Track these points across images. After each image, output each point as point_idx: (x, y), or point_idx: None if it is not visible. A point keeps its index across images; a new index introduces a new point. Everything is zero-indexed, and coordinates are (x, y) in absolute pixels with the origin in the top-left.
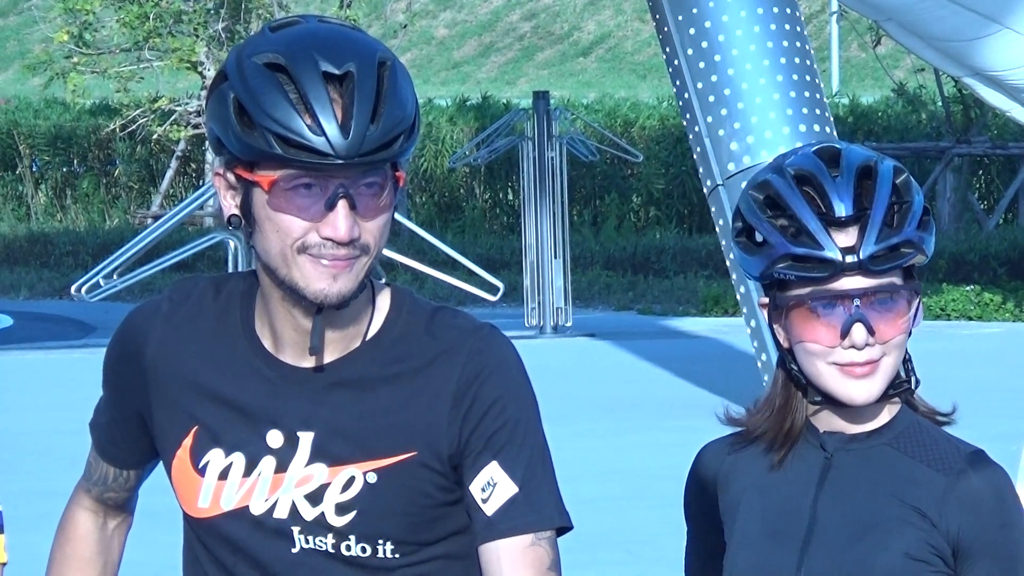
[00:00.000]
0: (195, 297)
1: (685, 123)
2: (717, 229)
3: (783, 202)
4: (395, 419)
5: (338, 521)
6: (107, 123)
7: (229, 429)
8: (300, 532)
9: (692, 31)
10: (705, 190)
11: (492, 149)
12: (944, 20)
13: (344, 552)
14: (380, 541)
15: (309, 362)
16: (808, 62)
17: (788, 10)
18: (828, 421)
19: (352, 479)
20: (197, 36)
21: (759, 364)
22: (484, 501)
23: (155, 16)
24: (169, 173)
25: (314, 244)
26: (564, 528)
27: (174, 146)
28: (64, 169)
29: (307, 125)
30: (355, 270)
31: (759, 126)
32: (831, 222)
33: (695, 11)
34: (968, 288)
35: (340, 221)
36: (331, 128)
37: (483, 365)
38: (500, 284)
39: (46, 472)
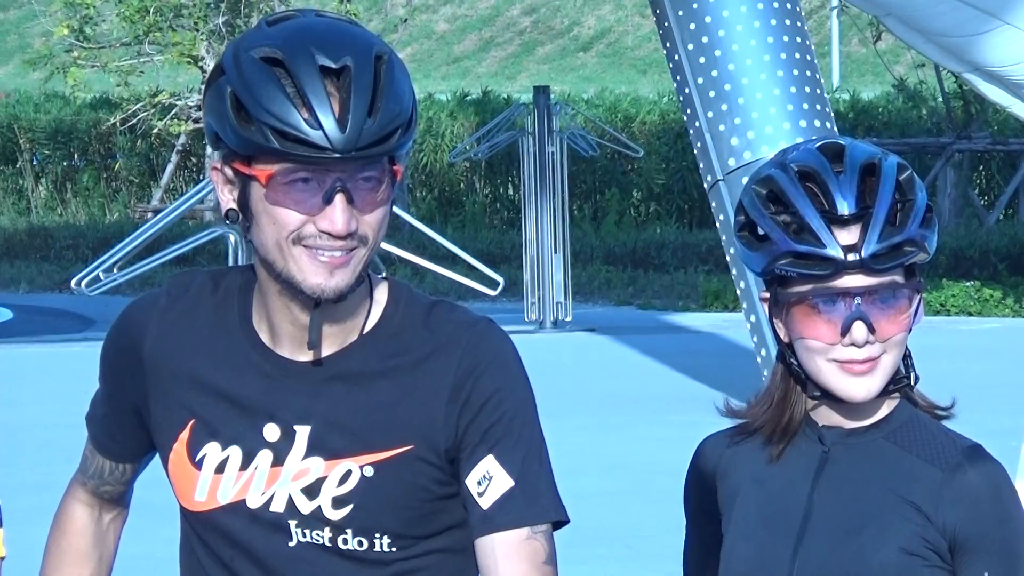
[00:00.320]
0: (193, 291)
1: (685, 118)
2: (717, 224)
3: (786, 198)
4: (392, 413)
5: (335, 515)
6: (107, 117)
7: (226, 423)
8: (297, 526)
9: (693, 26)
10: (705, 185)
11: (492, 144)
12: (944, 16)
13: (341, 546)
14: (377, 535)
15: (306, 356)
16: (808, 57)
17: (788, 5)
18: (827, 415)
19: (349, 473)
20: (197, 30)
21: (759, 359)
22: (480, 495)
23: (155, 10)
24: (169, 167)
25: (310, 235)
26: (561, 522)
27: (174, 140)
28: (64, 163)
29: (304, 119)
30: (352, 264)
31: (760, 121)
32: (834, 219)
33: (695, 6)
34: (968, 284)
35: (337, 215)
36: (328, 122)
37: (480, 359)
38: (500, 279)
39: (45, 465)
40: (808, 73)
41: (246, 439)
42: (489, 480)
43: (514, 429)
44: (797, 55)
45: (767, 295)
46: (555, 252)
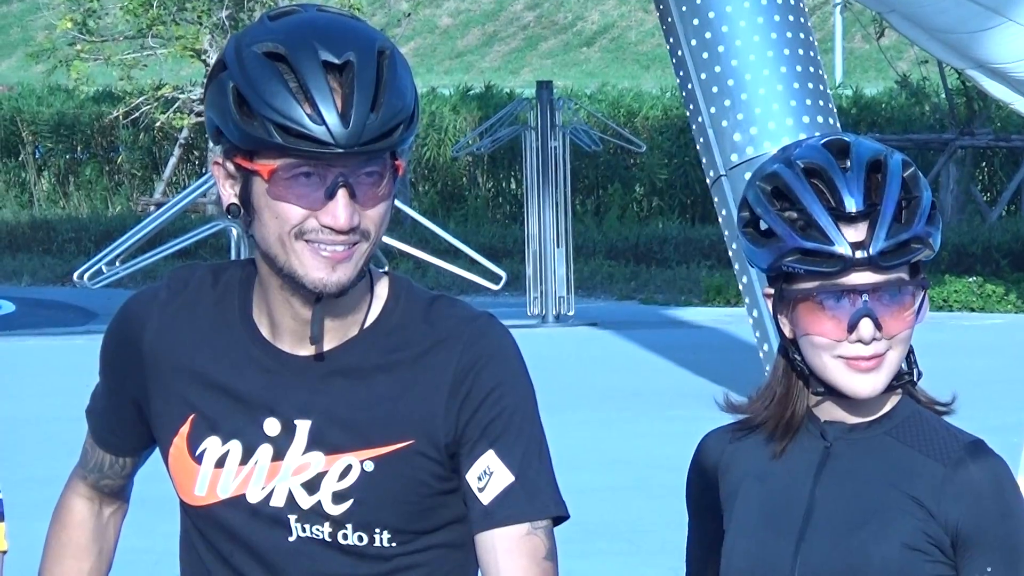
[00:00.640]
0: (193, 285)
1: (688, 113)
2: (720, 219)
3: (792, 195)
4: (392, 407)
5: (335, 510)
6: (110, 110)
7: (226, 417)
8: (297, 520)
9: (696, 21)
10: (708, 180)
11: (495, 138)
12: (947, 12)
13: (341, 541)
14: (377, 530)
15: (307, 350)
16: (812, 53)
17: (792, 1)
18: (829, 411)
19: (349, 467)
20: (201, 24)
21: (761, 354)
22: (480, 490)
23: (159, 4)
24: (172, 161)
25: (312, 230)
26: (561, 517)
27: (177, 134)
28: (67, 156)
29: (307, 114)
30: (355, 259)
31: (762, 117)
32: (841, 217)
33: (699, 2)
34: (971, 279)
35: (340, 210)
36: (331, 117)
37: (480, 353)
38: (503, 273)
39: (47, 459)
40: (811, 69)
41: (246, 433)
42: (489, 475)
43: (514, 424)
44: (800, 51)
45: (771, 291)
46: (557, 247)
